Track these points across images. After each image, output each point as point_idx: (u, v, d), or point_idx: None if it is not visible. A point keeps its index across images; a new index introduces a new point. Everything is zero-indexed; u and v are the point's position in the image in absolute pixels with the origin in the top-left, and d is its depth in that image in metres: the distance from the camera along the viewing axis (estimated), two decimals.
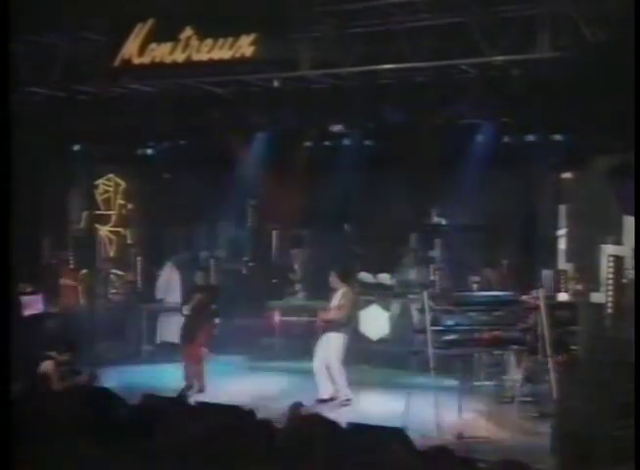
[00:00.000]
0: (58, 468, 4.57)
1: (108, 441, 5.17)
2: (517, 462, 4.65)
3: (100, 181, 15.68)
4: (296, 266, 15.19)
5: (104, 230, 15.74)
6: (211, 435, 5.40)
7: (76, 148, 14.87)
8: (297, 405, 8.47)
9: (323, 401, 10.72)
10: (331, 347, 10.99)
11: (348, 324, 11.17)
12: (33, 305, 13.17)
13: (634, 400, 6.34)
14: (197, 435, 5.42)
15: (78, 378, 9.81)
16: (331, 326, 11.07)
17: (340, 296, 11.13)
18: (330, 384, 10.96)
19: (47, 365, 9.79)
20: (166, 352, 13.46)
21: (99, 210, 15.68)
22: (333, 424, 6.04)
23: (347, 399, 10.89)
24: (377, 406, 11.23)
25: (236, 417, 6.66)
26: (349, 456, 4.95)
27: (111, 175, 15.72)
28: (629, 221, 8.70)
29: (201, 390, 11.31)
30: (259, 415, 6.23)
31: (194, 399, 8.91)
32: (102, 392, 7.39)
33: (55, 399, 7.33)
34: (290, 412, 8.07)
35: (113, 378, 10.98)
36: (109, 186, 15.76)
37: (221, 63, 9.53)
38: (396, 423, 8.47)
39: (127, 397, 6.67)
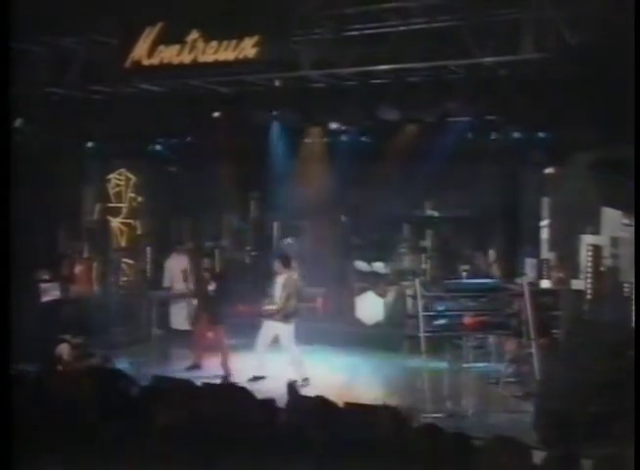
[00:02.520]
0: (70, 445, 4.58)
1: (119, 419, 5.19)
2: (507, 438, 4.68)
3: (112, 176, 15.66)
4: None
5: (115, 222, 15.73)
6: (217, 414, 5.42)
7: (90, 145, 14.86)
8: (293, 383, 8.50)
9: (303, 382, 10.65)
10: (287, 335, 10.99)
11: (296, 312, 11.12)
12: (50, 291, 13.21)
13: (634, 389, 6.32)
14: (202, 414, 5.45)
15: (92, 360, 9.82)
16: (280, 315, 11.03)
17: (283, 282, 11.12)
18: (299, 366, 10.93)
19: (62, 348, 9.82)
20: (176, 337, 13.49)
21: (111, 202, 15.67)
22: (331, 403, 6.06)
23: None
24: (372, 387, 11.27)
25: (240, 397, 6.69)
26: (346, 433, 4.96)
27: (122, 170, 15.69)
28: (607, 212, 8.74)
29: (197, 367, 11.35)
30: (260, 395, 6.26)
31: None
32: (114, 373, 7.41)
33: (69, 379, 7.37)
34: (288, 390, 8.09)
35: (124, 360, 11.01)
36: (120, 180, 15.74)
37: (226, 64, 9.51)
38: (390, 402, 8.50)
39: (138, 378, 6.69)
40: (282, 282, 11.11)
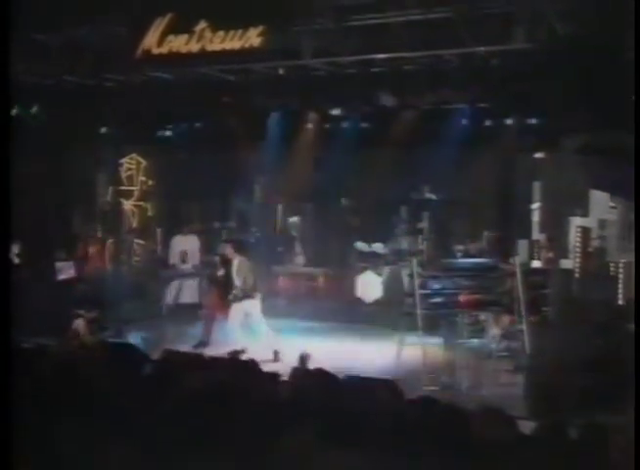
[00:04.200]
0: (84, 414, 4.60)
1: (130, 389, 5.22)
2: (495, 409, 4.70)
3: (124, 160, 15.67)
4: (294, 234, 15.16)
5: (128, 204, 15.76)
6: (223, 386, 5.44)
7: (103, 130, 14.84)
8: (305, 356, 8.53)
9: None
10: (257, 311, 11.05)
11: (255, 288, 11.18)
12: (66, 270, 13.25)
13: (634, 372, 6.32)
14: (209, 386, 5.46)
15: (105, 333, 9.84)
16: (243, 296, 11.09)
17: (236, 266, 11.12)
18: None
19: (78, 322, 9.84)
20: (185, 312, 13.53)
21: (123, 185, 15.69)
22: (332, 376, 6.07)
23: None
24: (371, 361, 11.29)
25: (246, 370, 6.71)
26: (346, 404, 4.98)
27: (133, 155, 15.70)
28: (595, 196, 8.72)
29: (205, 344, 11.36)
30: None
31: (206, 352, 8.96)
32: (126, 346, 7.44)
33: (85, 351, 7.41)
34: (299, 361, 8.12)
35: (135, 335, 11.04)
36: (132, 164, 15.75)
37: (232, 52, 9.45)
38: (388, 375, 8.52)
39: (148, 351, 6.70)
40: (236, 266, 11.10)
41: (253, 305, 11.07)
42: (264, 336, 10.96)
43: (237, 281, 11.05)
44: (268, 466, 3.84)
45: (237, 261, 11.15)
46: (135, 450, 4.01)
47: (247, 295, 11.04)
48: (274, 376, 6.18)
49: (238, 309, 11.07)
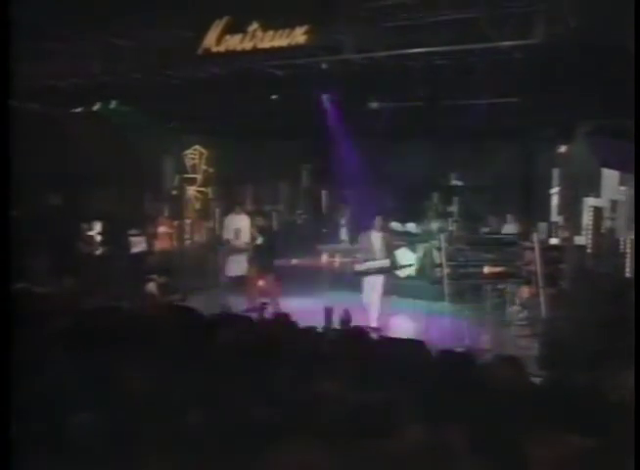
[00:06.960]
0: (155, 357, 4.71)
1: (193, 340, 5.32)
2: (507, 356, 4.66)
3: (188, 151, 15.83)
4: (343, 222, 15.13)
5: (191, 190, 15.93)
6: (266, 340, 5.49)
7: (171, 124, 14.99)
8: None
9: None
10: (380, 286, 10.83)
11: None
12: (139, 244, 13.47)
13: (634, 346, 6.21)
14: (257, 340, 5.52)
15: (174, 296, 9.94)
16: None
17: (385, 239, 10.79)
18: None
19: (151, 285, 9.96)
20: (237, 283, 13.64)
21: (187, 173, 15.86)
22: (367, 334, 6.08)
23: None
24: (404, 326, 11.27)
25: (286, 326, 6.74)
26: (382, 360, 4.98)
27: (196, 146, 15.85)
28: (607, 174, 8.54)
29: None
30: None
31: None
32: (190, 309, 7.55)
33: (156, 310, 7.55)
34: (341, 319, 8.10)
35: (197, 300, 11.14)
36: (195, 155, 15.91)
37: (280, 49, 9.46)
38: (418, 338, 8.47)
39: (207, 313, 6.79)
40: (383, 239, 10.85)
41: (381, 280, 10.85)
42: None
43: (381, 251, 10.79)
44: (306, 407, 3.84)
45: (384, 234, 10.92)
46: (187, 389, 4.09)
47: (385, 269, 10.82)
48: (314, 332, 6.20)
49: (371, 280, 10.78)
